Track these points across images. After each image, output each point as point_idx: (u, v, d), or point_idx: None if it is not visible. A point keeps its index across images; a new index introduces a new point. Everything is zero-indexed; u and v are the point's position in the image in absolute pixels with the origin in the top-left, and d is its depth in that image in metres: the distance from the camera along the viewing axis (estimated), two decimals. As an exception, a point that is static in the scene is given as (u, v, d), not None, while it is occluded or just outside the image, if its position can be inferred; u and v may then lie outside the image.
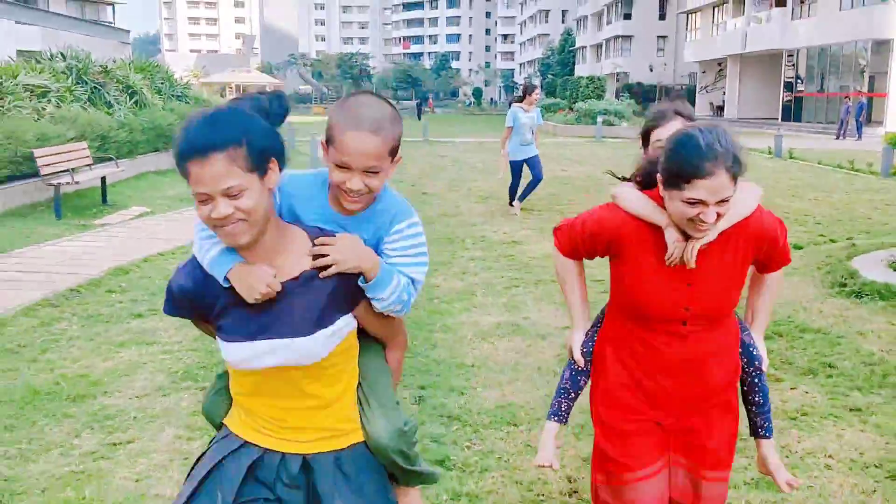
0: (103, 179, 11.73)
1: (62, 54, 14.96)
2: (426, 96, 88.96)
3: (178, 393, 4.47)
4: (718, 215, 1.99)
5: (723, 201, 1.97)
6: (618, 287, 2.26)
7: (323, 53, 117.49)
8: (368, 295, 1.79)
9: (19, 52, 21.19)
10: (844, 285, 6.04)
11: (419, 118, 50.49)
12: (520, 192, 11.23)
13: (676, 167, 1.99)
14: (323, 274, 1.74)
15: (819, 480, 3.41)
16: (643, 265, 2.15)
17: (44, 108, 12.10)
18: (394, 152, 1.82)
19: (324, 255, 1.74)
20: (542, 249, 8.52)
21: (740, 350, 2.34)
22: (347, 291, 1.77)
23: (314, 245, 1.74)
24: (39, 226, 9.78)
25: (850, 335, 5.20)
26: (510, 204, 11.36)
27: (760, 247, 2.17)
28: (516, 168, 11.13)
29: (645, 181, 2.21)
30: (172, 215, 10.89)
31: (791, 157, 20.85)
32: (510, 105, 11.39)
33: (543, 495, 3.34)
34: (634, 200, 2.17)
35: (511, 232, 9.77)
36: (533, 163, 11.05)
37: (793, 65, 43.61)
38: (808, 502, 3.24)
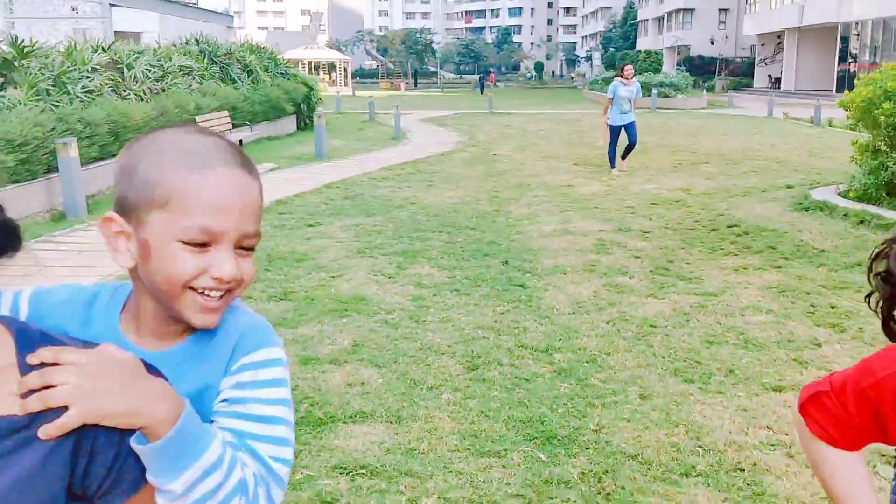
0: (240, 141, 14.73)
1: (196, 40, 18.03)
2: (488, 70, 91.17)
3: (357, 259, 7.30)
4: None
5: None
6: None
7: (386, 30, 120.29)
8: (150, 477, 0.90)
9: (116, 34, 24.42)
10: (799, 204, 8.58)
11: (482, 92, 52.97)
12: (619, 154, 13.02)
13: None
14: (44, 430, 0.83)
15: (741, 291, 6.03)
16: None
17: (190, 85, 15.11)
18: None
19: (47, 387, 0.84)
20: (589, 189, 11.22)
21: None
22: (97, 467, 0.87)
23: (26, 367, 0.85)
24: (202, 175, 12.79)
25: (792, 232, 7.78)
26: (611, 167, 13.00)
27: None
28: (615, 131, 12.80)
29: None
30: (296, 168, 13.80)
31: (830, 126, 22.83)
32: (611, 79, 13.83)
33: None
34: None
35: (566, 179, 12.42)
36: (630, 129, 12.82)
37: (848, 37, 44.66)
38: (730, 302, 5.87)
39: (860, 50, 43.28)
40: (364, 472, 3.42)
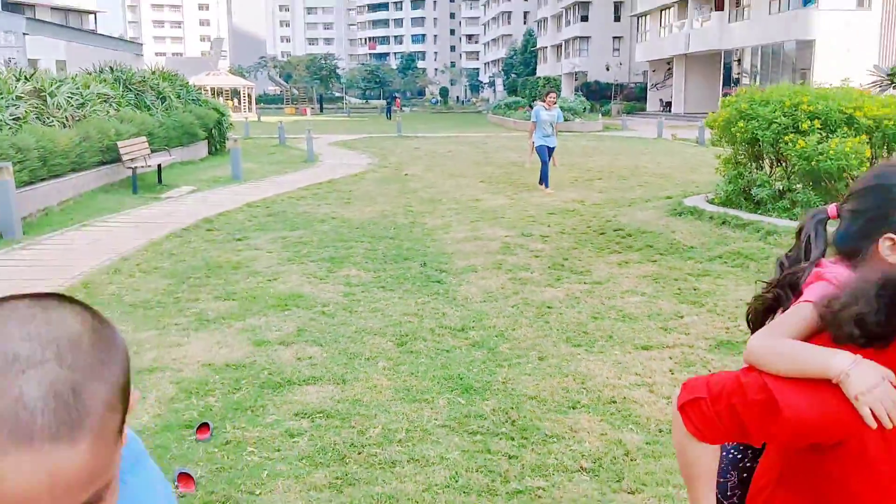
0: (159, 165, 15.22)
1: (111, 68, 18.39)
2: (394, 96, 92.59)
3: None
4: None
5: None
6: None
7: (289, 55, 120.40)
8: None
9: (30, 61, 24.44)
10: (673, 210, 9.87)
11: (388, 117, 54.03)
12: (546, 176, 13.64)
13: None
14: None
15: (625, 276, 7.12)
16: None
17: (108, 112, 15.54)
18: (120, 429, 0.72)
19: None
20: (495, 203, 12.31)
21: None
22: None
23: None
24: (124, 198, 13.26)
25: (667, 233, 9.00)
26: (545, 187, 13.57)
27: None
28: (542, 152, 13.62)
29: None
30: (215, 190, 14.41)
31: (712, 145, 24.76)
32: (531, 105, 14.95)
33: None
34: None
35: (474, 195, 13.48)
36: (552, 152, 13.73)
37: (730, 63, 47.89)
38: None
39: (741, 74, 46.49)
40: (321, 415, 4.27)
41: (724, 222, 8.87)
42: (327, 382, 4.77)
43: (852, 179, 8.24)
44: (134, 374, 3.17)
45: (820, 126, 8.23)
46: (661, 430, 4.07)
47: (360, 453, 3.84)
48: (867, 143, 8.05)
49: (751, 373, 1.39)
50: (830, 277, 1.48)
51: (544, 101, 13.85)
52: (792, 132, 8.37)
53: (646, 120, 48.78)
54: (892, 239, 1.44)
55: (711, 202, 9.95)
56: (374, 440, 3.97)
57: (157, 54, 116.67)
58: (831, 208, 1.61)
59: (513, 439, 4.01)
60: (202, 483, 3.57)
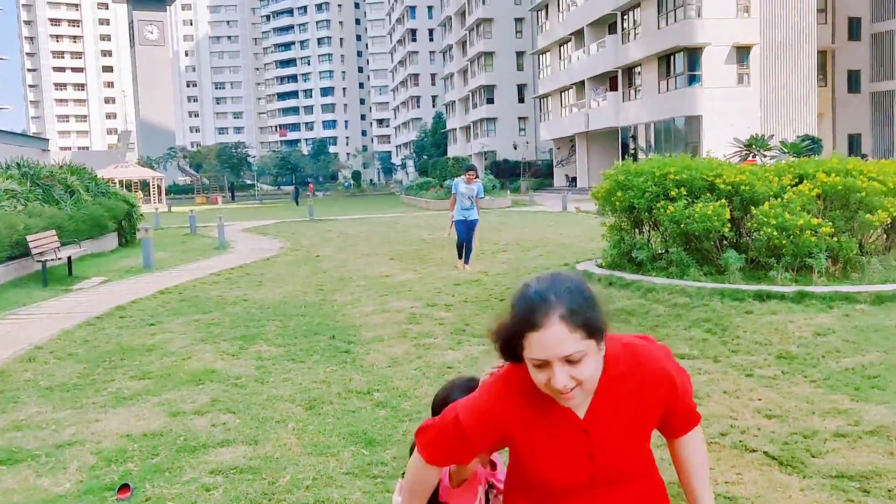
0: (69, 258, 15.28)
1: (18, 164, 18.45)
2: (306, 181, 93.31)
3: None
4: (578, 382, 1.68)
5: (572, 361, 1.65)
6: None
7: (199, 145, 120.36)
8: None
9: None
10: (567, 275, 10.66)
11: (297, 203, 54.44)
12: (465, 254, 13.78)
13: (513, 323, 1.74)
14: None
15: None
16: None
17: (16, 207, 15.60)
18: None
19: None
20: (404, 277, 12.89)
21: None
22: None
23: None
24: (34, 291, 13.28)
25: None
26: (461, 262, 13.82)
27: (660, 394, 1.84)
28: (459, 227, 13.83)
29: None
30: (127, 279, 14.55)
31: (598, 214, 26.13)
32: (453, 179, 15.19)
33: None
34: None
35: (384, 271, 14.04)
36: (471, 225, 13.78)
37: (627, 138, 50.53)
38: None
39: (637, 149, 49.07)
40: (234, 470, 4.65)
41: (610, 283, 9.66)
42: (240, 444, 5.14)
43: (718, 238, 9.18)
44: (54, 448, 3.71)
45: (686, 192, 9.18)
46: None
47: (270, 500, 4.23)
48: (727, 205, 9.02)
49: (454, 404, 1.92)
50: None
51: (464, 177, 14.02)
52: (663, 199, 9.30)
53: (552, 195, 50.67)
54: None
55: (600, 266, 10.78)
56: (283, 488, 4.37)
57: (62, 148, 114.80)
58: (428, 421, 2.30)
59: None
60: (124, 534, 3.89)
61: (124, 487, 4.43)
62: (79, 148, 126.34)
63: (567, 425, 1.81)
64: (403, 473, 2.10)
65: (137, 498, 4.35)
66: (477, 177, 14.16)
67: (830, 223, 8.84)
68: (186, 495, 4.35)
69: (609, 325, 1.76)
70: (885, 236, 9.76)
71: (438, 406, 2.21)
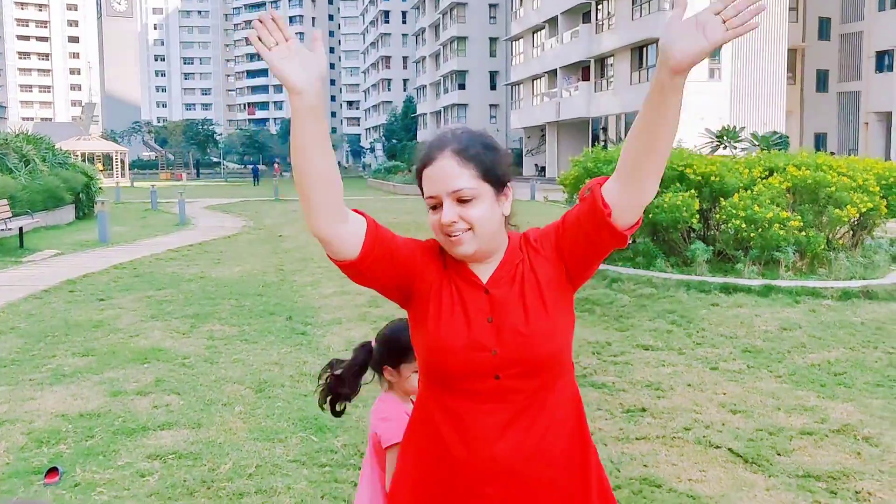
0: (21, 229, 14.75)
1: (-30, 129, 17.79)
2: (273, 161, 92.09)
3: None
4: (468, 225, 1.65)
5: (463, 200, 1.64)
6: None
7: (165, 121, 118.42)
8: None
9: None
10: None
11: (255, 183, 53.27)
12: None
13: (416, 163, 1.72)
14: None
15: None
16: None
17: (-35, 174, 15.02)
18: None
19: None
20: (366, 261, 12.61)
21: None
22: None
23: None
24: (-18, 262, 12.79)
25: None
26: None
27: (549, 242, 1.74)
28: None
29: None
30: (81, 253, 14.09)
31: (567, 203, 26.06)
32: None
33: (350, 339, 7.26)
34: None
35: (346, 254, 13.74)
36: None
37: (598, 129, 50.58)
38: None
39: (608, 140, 49.10)
40: (173, 455, 4.37)
41: (575, 272, 9.49)
42: (182, 427, 4.86)
43: (686, 230, 9.05)
44: None
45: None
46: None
47: (209, 488, 3.97)
48: (696, 196, 8.88)
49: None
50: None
51: None
52: (632, 188, 9.13)
53: (521, 184, 50.39)
54: (388, 369, 2.49)
55: (566, 254, 10.61)
56: (224, 476, 4.11)
57: (24, 119, 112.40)
58: (374, 340, 2.57)
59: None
60: (47, 522, 3.61)
61: (52, 471, 4.14)
62: (41, 119, 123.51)
63: (471, 284, 1.72)
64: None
65: (66, 483, 4.06)
66: None
67: (799, 217, 8.74)
68: (119, 481, 4.07)
69: (509, 177, 1.75)
70: (851, 232, 9.71)
71: (383, 333, 2.55)
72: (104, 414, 5.11)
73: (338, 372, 2.58)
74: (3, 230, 13.85)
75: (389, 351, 2.46)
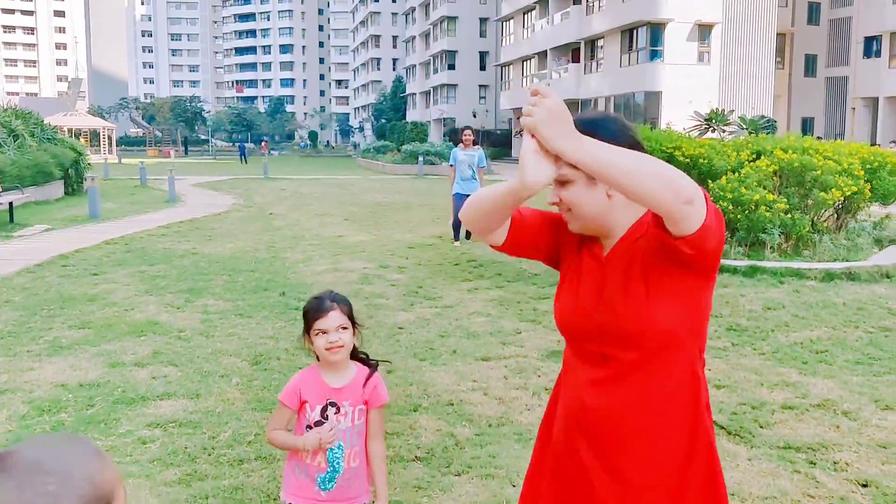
0: (10, 204, 14.74)
1: (-42, 104, 17.68)
2: (261, 139, 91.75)
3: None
4: (565, 204, 1.80)
5: (562, 183, 1.77)
6: None
7: (153, 97, 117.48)
8: None
9: None
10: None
11: (243, 161, 52.60)
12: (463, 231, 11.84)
13: None
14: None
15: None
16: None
17: (-46, 148, 14.96)
18: None
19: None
20: (357, 238, 12.71)
21: None
22: None
23: None
24: (-28, 236, 12.80)
25: (515, 263, 9.67)
26: (454, 238, 12.02)
27: (650, 234, 1.73)
28: (457, 202, 11.72)
29: None
30: (72, 228, 14.11)
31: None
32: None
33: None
34: None
35: (337, 231, 13.82)
36: None
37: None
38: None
39: (596, 123, 49.09)
40: (173, 424, 4.48)
41: (565, 251, 9.64)
42: (181, 397, 4.97)
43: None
44: None
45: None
46: (490, 425, 4.53)
47: (210, 454, 4.09)
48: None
49: None
50: None
51: (460, 144, 12.21)
52: (622, 169, 9.25)
53: (510, 165, 50.56)
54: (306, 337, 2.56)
55: (556, 234, 10.74)
56: (224, 443, 4.23)
57: (9, 94, 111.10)
58: None
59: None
60: (53, 486, 3.72)
61: (56, 438, 4.24)
62: (27, 94, 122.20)
63: (593, 256, 1.87)
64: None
65: (70, 449, 4.17)
66: (475, 142, 12.43)
67: (785, 200, 8.89)
68: (122, 447, 4.18)
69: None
70: (836, 215, 9.87)
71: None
72: (103, 384, 5.21)
73: None
74: (-8, 205, 13.84)
75: (303, 318, 2.58)
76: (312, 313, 2.50)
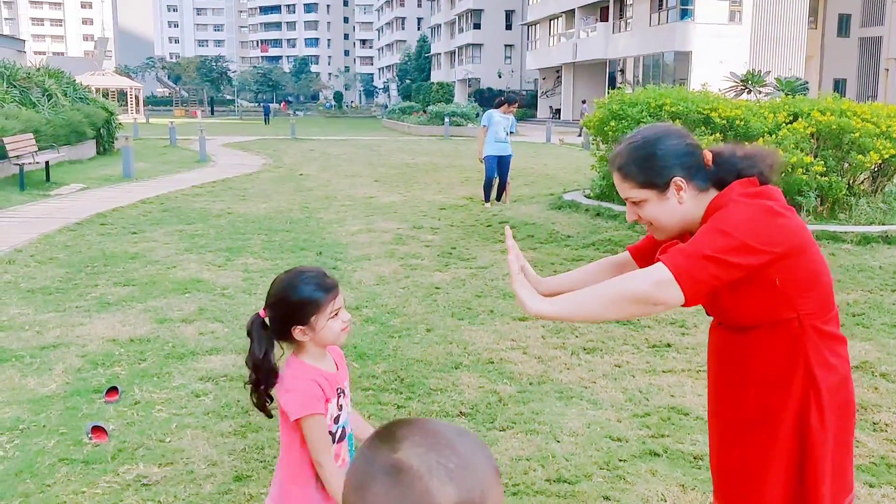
0: (47, 163, 14.95)
1: (-7, 63, 17.86)
2: (287, 99, 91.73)
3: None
4: (646, 220, 2.02)
5: (635, 202, 2.00)
6: None
7: (178, 57, 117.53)
8: None
9: None
10: (555, 204, 10.61)
11: (266, 122, 52.41)
12: (494, 192, 12.00)
13: None
14: None
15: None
16: None
17: (-9, 107, 15.15)
18: None
19: None
20: (389, 199, 12.81)
21: None
22: None
23: None
24: (11, 195, 13.00)
25: (547, 224, 9.69)
26: (485, 200, 12.02)
27: None
28: (490, 164, 11.75)
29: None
30: (107, 188, 14.31)
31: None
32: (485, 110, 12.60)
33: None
34: None
35: (368, 192, 13.91)
36: (505, 162, 11.88)
37: (615, 71, 50.00)
38: (494, 271, 7.53)
39: (625, 83, 48.58)
40: (224, 378, 4.63)
41: (598, 214, 9.63)
42: (230, 353, 5.11)
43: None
44: (38, 349, 3.58)
45: (680, 125, 9.08)
46: (531, 383, 4.63)
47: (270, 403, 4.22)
48: (721, 141, 8.94)
49: None
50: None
51: (499, 109, 12.07)
52: (657, 131, 9.20)
53: (536, 126, 50.22)
54: (299, 328, 2.13)
55: (588, 196, 10.73)
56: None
57: (36, 53, 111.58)
58: (262, 311, 2.20)
59: (401, 393, 4.49)
60: (115, 434, 3.88)
61: (112, 390, 4.40)
62: (53, 53, 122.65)
63: None
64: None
65: (126, 401, 4.33)
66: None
67: (822, 162, 8.82)
68: (176, 400, 4.33)
69: (668, 176, 1.97)
70: (872, 178, 9.78)
71: (272, 297, 2.16)
72: (153, 339, 5.36)
73: (248, 362, 2.24)
74: (30, 163, 14.05)
75: (293, 308, 2.14)
76: (323, 296, 2.12)
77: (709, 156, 2.01)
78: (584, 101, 43.61)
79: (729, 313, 1.98)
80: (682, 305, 1.83)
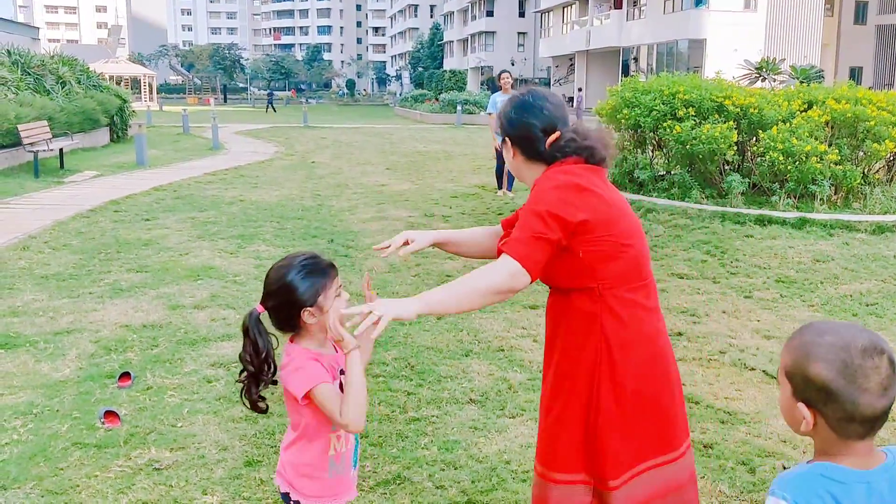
0: (61, 150, 15.03)
1: (8, 51, 17.92)
2: (299, 87, 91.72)
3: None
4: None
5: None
6: None
7: (191, 45, 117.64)
8: None
9: None
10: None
11: (271, 109, 51.98)
12: (506, 179, 11.82)
13: None
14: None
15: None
16: None
17: (6, 95, 15.23)
18: None
19: None
20: (400, 188, 12.79)
21: None
22: None
23: None
24: (26, 181, 13.08)
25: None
26: (498, 187, 12.05)
27: None
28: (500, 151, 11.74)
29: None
30: (120, 175, 14.37)
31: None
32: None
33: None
34: None
35: (380, 180, 13.91)
36: None
37: (628, 59, 49.71)
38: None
39: (638, 71, 48.29)
40: (236, 364, 4.62)
41: (610, 202, 9.62)
42: (241, 339, 5.12)
43: (724, 162, 9.10)
44: (52, 335, 3.60)
45: (694, 113, 9.03)
46: (541, 371, 4.62)
47: (273, 393, 4.23)
48: (735, 128, 8.90)
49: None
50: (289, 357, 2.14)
51: (500, 91, 11.66)
52: (670, 119, 9.15)
53: (549, 114, 49.93)
54: (308, 311, 2.08)
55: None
56: (285, 383, 4.38)
57: (50, 40, 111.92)
58: (259, 307, 2.18)
59: (411, 380, 4.50)
60: (127, 419, 3.91)
61: (125, 375, 4.44)
62: (67, 41, 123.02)
63: None
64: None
65: (138, 386, 4.36)
66: (513, 86, 11.44)
67: (837, 151, 8.75)
68: (188, 386, 4.36)
69: (506, 135, 2.36)
70: (887, 167, 9.71)
71: (273, 285, 2.13)
72: (165, 325, 5.40)
73: (247, 358, 2.26)
74: (44, 151, 14.14)
75: (300, 292, 2.11)
76: (327, 274, 2.13)
77: (552, 139, 2.25)
78: (580, 89, 43.81)
79: (547, 279, 2.25)
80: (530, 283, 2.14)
